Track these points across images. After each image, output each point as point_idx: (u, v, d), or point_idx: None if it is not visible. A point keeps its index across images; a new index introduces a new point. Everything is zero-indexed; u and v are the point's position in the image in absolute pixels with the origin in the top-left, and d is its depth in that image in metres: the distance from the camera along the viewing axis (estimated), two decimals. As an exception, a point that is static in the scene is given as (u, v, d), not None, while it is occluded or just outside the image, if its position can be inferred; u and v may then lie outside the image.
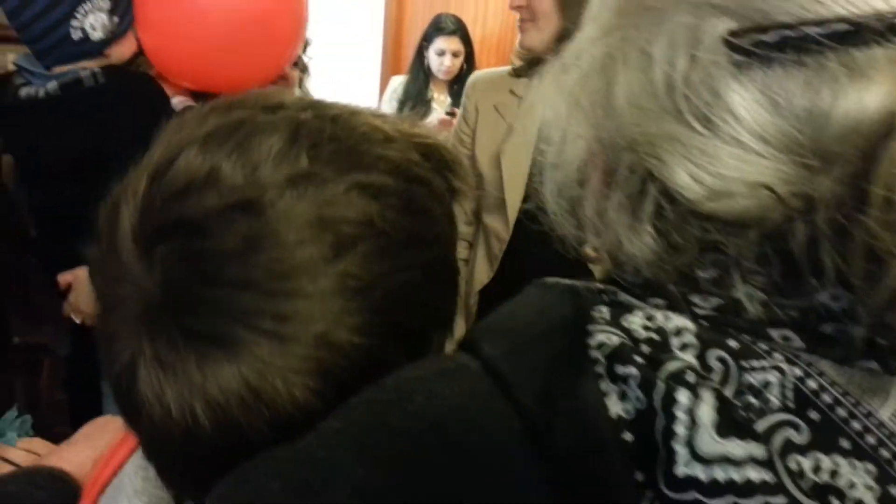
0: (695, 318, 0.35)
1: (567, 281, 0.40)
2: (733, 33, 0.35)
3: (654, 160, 0.36)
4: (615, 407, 0.33)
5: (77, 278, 1.56)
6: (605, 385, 0.34)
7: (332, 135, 0.44)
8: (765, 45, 0.34)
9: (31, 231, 1.79)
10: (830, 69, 0.33)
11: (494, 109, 1.49)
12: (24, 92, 1.58)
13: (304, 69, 1.86)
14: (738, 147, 0.34)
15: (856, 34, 0.33)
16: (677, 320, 0.35)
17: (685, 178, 0.35)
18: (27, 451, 0.98)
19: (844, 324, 0.34)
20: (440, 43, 2.81)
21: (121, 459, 0.56)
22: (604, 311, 0.36)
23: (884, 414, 0.33)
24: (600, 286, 0.39)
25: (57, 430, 1.04)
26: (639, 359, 0.33)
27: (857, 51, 0.33)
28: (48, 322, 1.79)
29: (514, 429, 0.34)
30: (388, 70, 3.57)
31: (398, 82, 2.95)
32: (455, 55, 2.81)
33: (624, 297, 0.38)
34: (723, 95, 0.35)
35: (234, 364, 0.39)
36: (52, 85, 1.57)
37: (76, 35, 1.58)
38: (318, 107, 0.47)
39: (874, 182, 0.31)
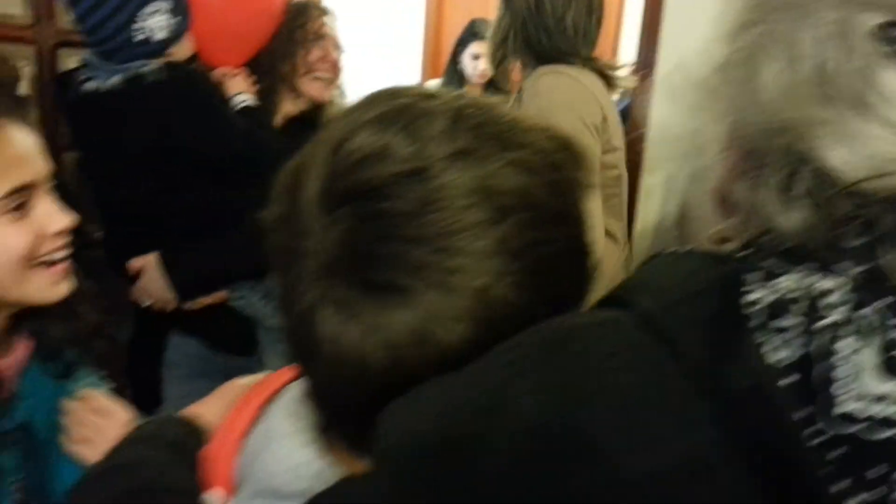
0: (843, 281, 0.39)
1: (703, 249, 0.44)
2: (885, 25, 0.39)
3: (807, 143, 0.40)
4: (776, 355, 0.37)
5: (148, 263, 1.61)
6: (764, 335, 0.38)
7: (487, 120, 0.50)
8: None
9: (91, 228, 1.83)
10: None
11: None
12: (88, 86, 1.63)
13: (339, 90, 1.89)
14: (891, 128, 0.38)
15: None
16: (825, 282, 0.39)
17: (839, 160, 0.39)
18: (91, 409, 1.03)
19: None
20: (475, 48, 2.85)
21: (257, 407, 0.60)
22: (754, 275, 0.40)
23: None
24: (742, 254, 0.43)
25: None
26: (795, 312, 0.38)
27: None
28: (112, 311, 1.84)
29: (671, 373, 0.38)
30: (428, 74, 3.63)
31: (434, 86, 3.00)
32: (489, 60, 2.87)
33: (768, 262, 0.41)
34: (875, 82, 0.39)
35: (406, 310, 0.45)
36: (115, 79, 1.61)
37: (140, 36, 1.63)
38: (468, 98, 0.52)
39: None
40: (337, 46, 1.85)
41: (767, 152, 0.43)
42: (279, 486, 0.50)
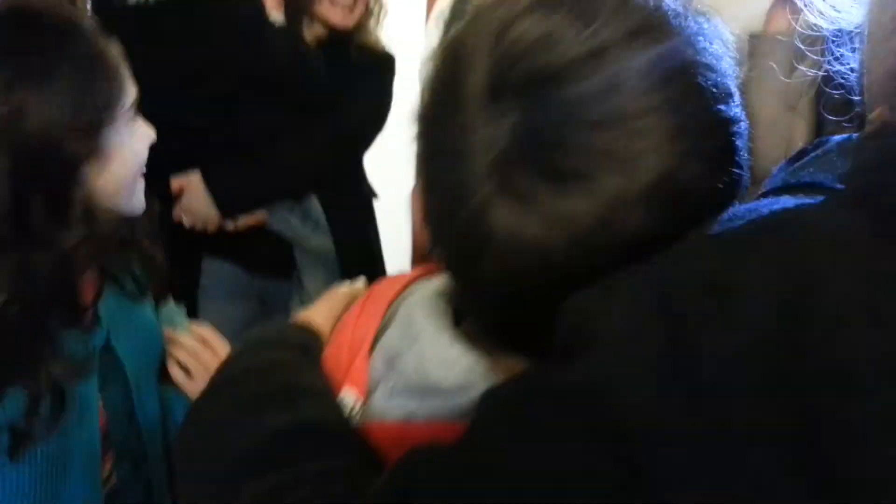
0: None
1: None
2: None
3: None
4: None
5: (191, 181, 1.59)
6: None
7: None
8: None
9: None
10: None
11: None
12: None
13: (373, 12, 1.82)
14: None
15: None
16: None
17: None
18: (199, 341, 1.06)
19: None
20: None
21: (384, 308, 0.61)
22: None
23: None
24: None
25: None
26: None
27: None
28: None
29: None
30: None
31: (445, 3, 2.92)
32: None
33: None
34: None
35: (590, 197, 0.45)
36: None
37: None
38: None
39: None
40: None
41: None
42: (435, 382, 0.52)
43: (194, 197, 1.59)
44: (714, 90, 0.47)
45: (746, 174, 0.50)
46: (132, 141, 0.96)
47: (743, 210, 0.44)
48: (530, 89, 0.46)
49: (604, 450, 0.37)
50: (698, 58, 0.48)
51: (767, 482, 0.35)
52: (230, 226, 1.63)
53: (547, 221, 0.45)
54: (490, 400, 0.45)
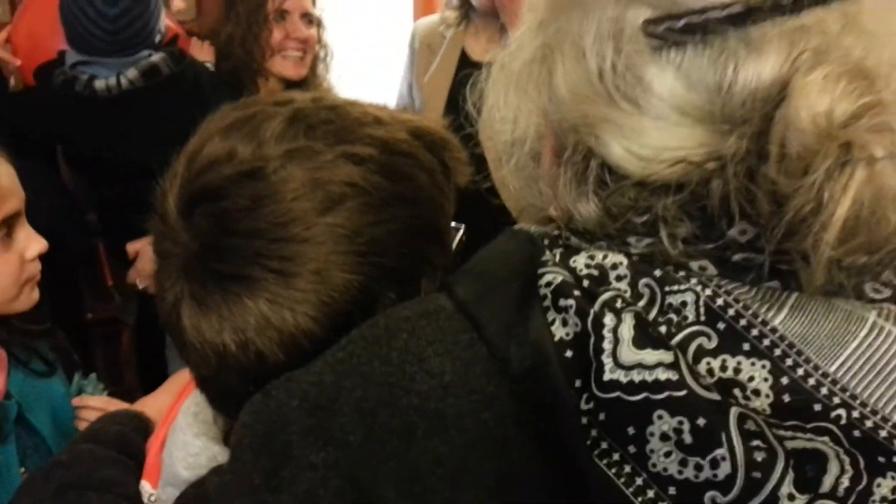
0: (629, 255, 0.43)
1: (530, 228, 0.48)
2: (649, 22, 0.41)
3: (593, 139, 0.43)
4: (559, 332, 0.41)
5: (145, 246, 1.67)
6: (551, 315, 0.42)
7: (326, 119, 0.55)
8: (676, 31, 0.40)
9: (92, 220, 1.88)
10: (731, 46, 0.40)
11: (428, 47, 1.84)
12: (100, 85, 1.62)
13: (319, 24, 1.89)
14: (662, 121, 0.41)
15: (749, 14, 0.39)
16: (614, 257, 0.43)
17: (619, 153, 0.42)
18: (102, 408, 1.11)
19: (750, 253, 0.41)
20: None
21: (183, 400, 0.66)
22: (555, 254, 0.44)
23: (777, 322, 0.41)
24: (557, 232, 0.47)
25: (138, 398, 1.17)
26: (577, 292, 0.42)
27: (753, 28, 0.39)
28: (117, 295, 1.92)
29: (480, 354, 0.43)
30: (420, 12, 3.58)
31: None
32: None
33: (574, 240, 0.45)
34: (645, 78, 0.41)
35: (251, 297, 0.51)
36: (131, 73, 1.62)
37: (158, 36, 1.68)
38: (320, 98, 0.57)
39: (772, 139, 0.38)
40: (307, 17, 1.84)
41: (566, 146, 0.46)
42: (180, 473, 0.56)
43: (149, 260, 1.67)
44: (371, 196, 0.53)
45: (421, 264, 0.56)
46: (7, 254, 1.00)
47: (375, 319, 0.48)
48: (204, 203, 0.53)
49: None
50: (356, 168, 0.53)
51: None
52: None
53: (220, 321, 0.51)
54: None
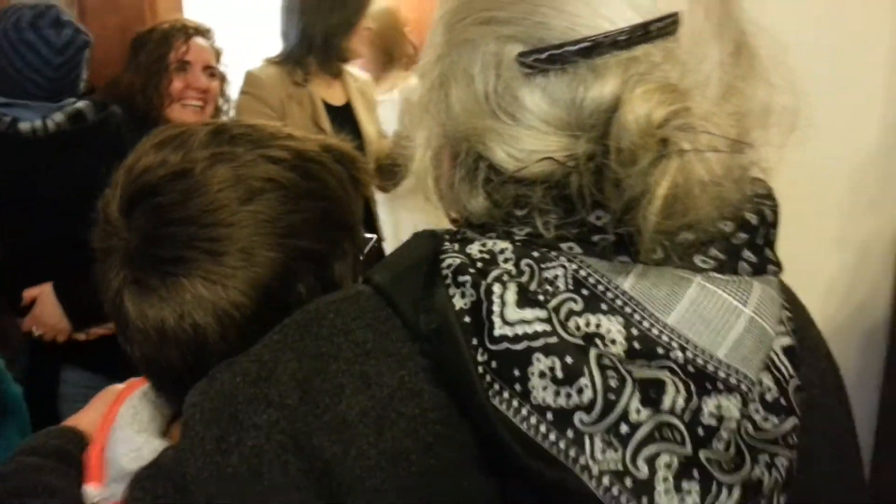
0: (513, 241, 0.53)
1: (434, 229, 0.58)
2: (522, 54, 0.53)
3: (481, 146, 0.55)
4: (458, 302, 0.51)
5: (43, 293, 1.66)
6: (452, 290, 0.51)
7: (245, 132, 0.66)
8: (542, 61, 0.52)
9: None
10: (582, 73, 0.52)
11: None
12: (24, 126, 1.63)
13: (222, 79, 1.97)
14: (533, 130, 0.53)
15: (595, 48, 0.51)
16: (502, 244, 0.53)
17: (501, 156, 0.54)
18: None
19: (605, 234, 0.52)
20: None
21: (119, 405, 0.71)
22: (454, 245, 0.54)
23: (626, 286, 0.52)
24: (455, 229, 0.57)
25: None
26: (472, 270, 0.51)
27: (598, 59, 0.51)
28: (3, 346, 1.86)
29: (396, 324, 0.52)
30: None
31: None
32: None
33: (470, 234, 0.55)
34: (519, 97, 0.53)
35: (187, 276, 0.60)
36: (58, 117, 1.65)
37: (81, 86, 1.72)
38: (239, 120, 0.68)
39: (610, 138, 0.49)
40: (209, 69, 1.91)
41: (459, 153, 0.57)
42: (125, 467, 0.61)
43: (46, 308, 1.66)
44: (287, 190, 0.64)
45: (334, 248, 0.67)
46: None
47: (307, 305, 0.56)
48: (142, 201, 0.62)
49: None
50: (273, 167, 0.65)
51: None
52: (81, 336, 1.69)
53: (160, 301, 0.60)
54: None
